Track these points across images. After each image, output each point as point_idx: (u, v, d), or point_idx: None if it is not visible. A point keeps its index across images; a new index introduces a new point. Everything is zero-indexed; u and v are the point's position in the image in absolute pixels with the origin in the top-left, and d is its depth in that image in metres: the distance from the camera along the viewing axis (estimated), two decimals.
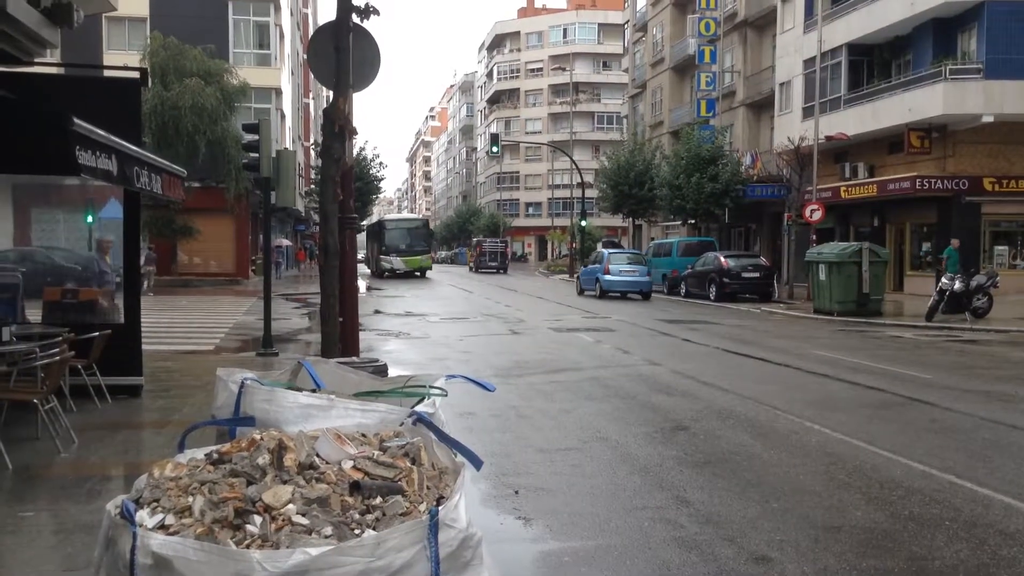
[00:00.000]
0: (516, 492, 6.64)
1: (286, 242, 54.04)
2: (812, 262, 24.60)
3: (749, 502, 6.44)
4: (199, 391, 10.75)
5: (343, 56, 7.19)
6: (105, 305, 12.18)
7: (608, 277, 31.71)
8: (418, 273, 49.57)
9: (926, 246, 30.49)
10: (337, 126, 6.80)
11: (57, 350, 7.82)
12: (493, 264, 60.73)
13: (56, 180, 21.14)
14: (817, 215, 28.51)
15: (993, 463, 7.60)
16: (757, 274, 29.96)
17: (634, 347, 16.40)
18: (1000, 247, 29.25)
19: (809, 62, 32.87)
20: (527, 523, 5.97)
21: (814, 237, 28.85)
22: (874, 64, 32.23)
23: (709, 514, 6.15)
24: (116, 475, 7.12)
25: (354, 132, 6.96)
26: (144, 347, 10.57)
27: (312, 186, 53.71)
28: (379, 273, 50.40)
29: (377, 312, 24.26)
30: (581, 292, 34.46)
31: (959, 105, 26.96)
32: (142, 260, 36.04)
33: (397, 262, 48.98)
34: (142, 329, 10.42)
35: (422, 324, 21.05)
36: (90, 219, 26.02)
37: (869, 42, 31.60)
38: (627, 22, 61.41)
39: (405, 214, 67.06)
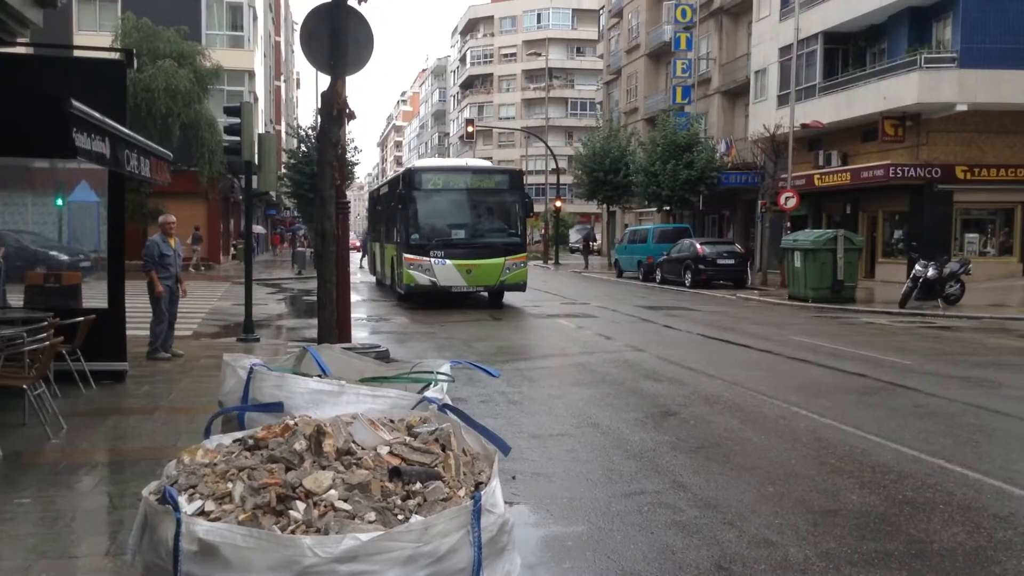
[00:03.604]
0: (513, 477, 6.66)
1: (260, 228, 53.43)
2: (787, 249, 24.81)
3: (745, 487, 6.51)
4: (183, 377, 10.67)
5: (341, 38, 7.12)
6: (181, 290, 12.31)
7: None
8: (484, 293, 22.28)
9: (898, 233, 30.84)
10: (335, 110, 6.75)
11: (45, 335, 7.72)
12: None
13: (24, 162, 20.79)
14: (791, 202, 28.73)
15: (981, 448, 7.73)
16: (732, 261, 30.15)
17: (616, 333, 16.47)
18: (971, 235, 29.63)
19: (785, 50, 33.03)
20: (527, 508, 5.99)
21: (788, 224, 29.08)
22: (850, 52, 32.45)
23: (707, 498, 6.20)
24: (110, 461, 7.04)
25: (353, 116, 6.93)
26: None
27: (284, 170, 48.83)
28: (392, 284, 24.14)
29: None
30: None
31: (933, 94, 27.23)
32: (189, 240, 35.92)
33: (445, 269, 20.76)
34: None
35: (393, 308, 20.99)
36: (60, 202, 25.64)
37: (845, 30, 31.80)
38: (602, 8, 61.36)
39: (464, 160, 31.84)
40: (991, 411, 9.30)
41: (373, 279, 30.51)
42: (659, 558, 5.10)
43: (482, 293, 22.00)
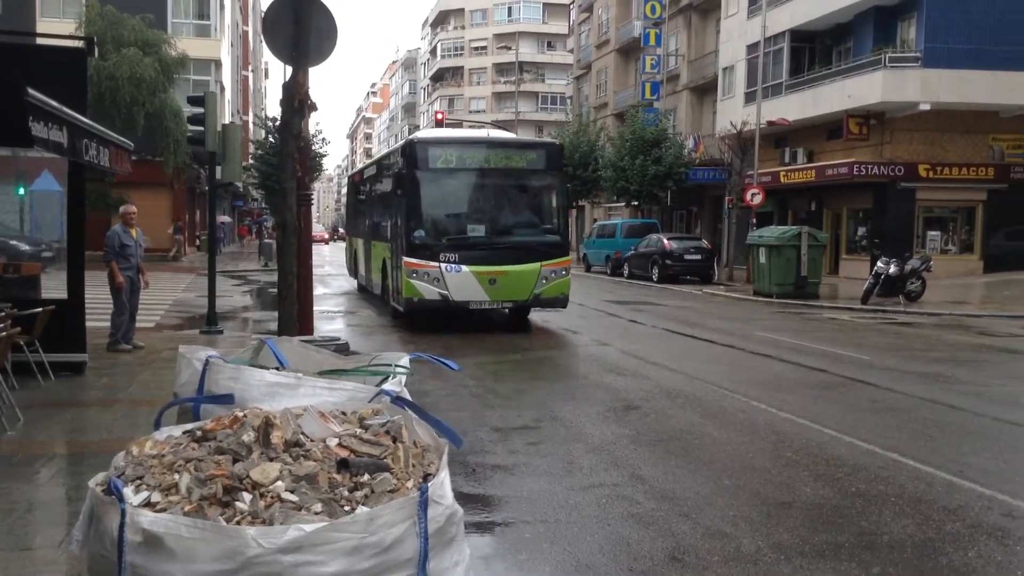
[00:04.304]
0: (473, 470, 6.69)
1: (226, 219, 52.92)
2: (753, 245, 25.03)
3: (703, 479, 6.59)
4: (144, 369, 10.59)
5: (303, 28, 7.10)
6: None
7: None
8: (507, 308, 16.39)
9: (862, 230, 31.23)
10: (297, 101, 6.73)
11: (2, 326, 7.63)
12: None
13: None
14: (757, 199, 28.98)
15: (935, 442, 7.87)
16: (699, 256, 30.37)
17: (583, 328, 16.54)
18: (933, 232, 30.07)
19: (752, 47, 33.30)
20: (487, 500, 6.02)
21: (754, 220, 29.34)
22: (816, 51, 32.76)
23: (664, 491, 6.27)
24: (67, 453, 6.98)
25: (314, 108, 6.90)
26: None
27: (251, 161, 47.94)
28: (383, 295, 18.78)
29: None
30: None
31: (897, 93, 27.58)
32: (171, 231, 35.45)
33: (460, 279, 15.01)
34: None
35: (360, 301, 20.92)
36: (21, 191, 25.29)
37: (811, 29, 32.10)
38: (572, 2, 61.46)
39: (485, 130, 23.45)
40: (946, 406, 9.46)
41: (355, 284, 24.85)
42: (614, 550, 5.15)
43: (506, 309, 16.18)
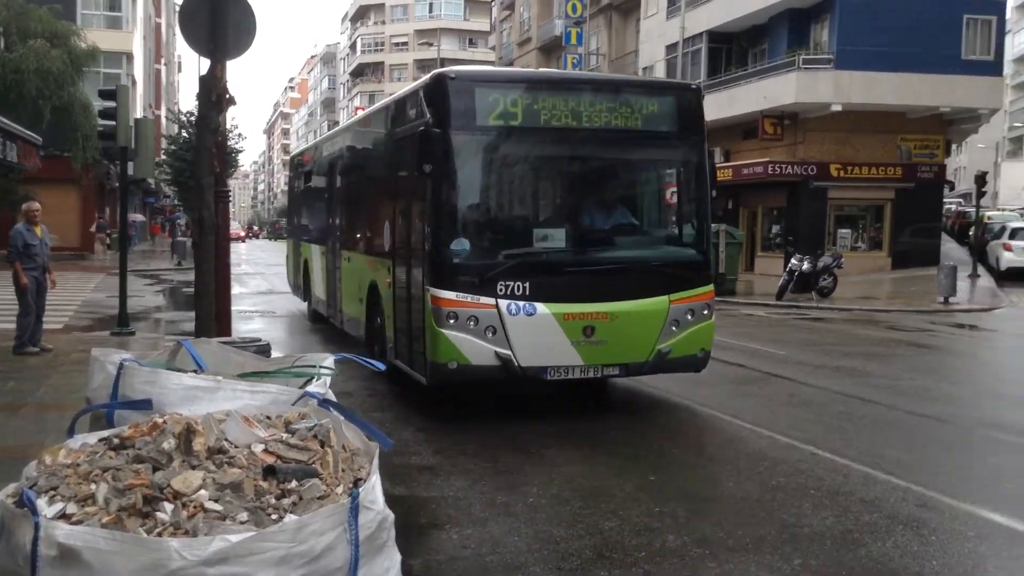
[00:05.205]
0: (400, 472, 6.62)
1: (139, 216, 51.39)
2: None
3: (628, 476, 6.63)
4: (53, 372, 10.20)
5: (221, 21, 6.91)
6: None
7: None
8: (611, 376, 8.91)
9: (776, 228, 31.99)
10: (215, 95, 6.55)
11: None
12: None
13: None
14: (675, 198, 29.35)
15: (848, 434, 8.09)
16: None
17: None
18: (844, 230, 30.93)
19: (671, 48, 33.78)
20: (414, 503, 5.96)
21: None
22: (733, 52, 33.41)
23: (590, 488, 6.30)
24: None
25: (232, 102, 6.73)
26: None
27: (163, 156, 46.16)
28: (372, 343, 10.64)
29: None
30: None
31: (810, 94, 28.30)
32: (93, 228, 33.89)
33: (535, 327, 8.24)
34: None
35: (280, 300, 20.56)
36: None
37: (728, 30, 32.70)
38: (494, 0, 61.45)
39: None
40: (860, 399, 9.73)
41: (304, 308, 17.24)
42: (542, 549, 5.15)
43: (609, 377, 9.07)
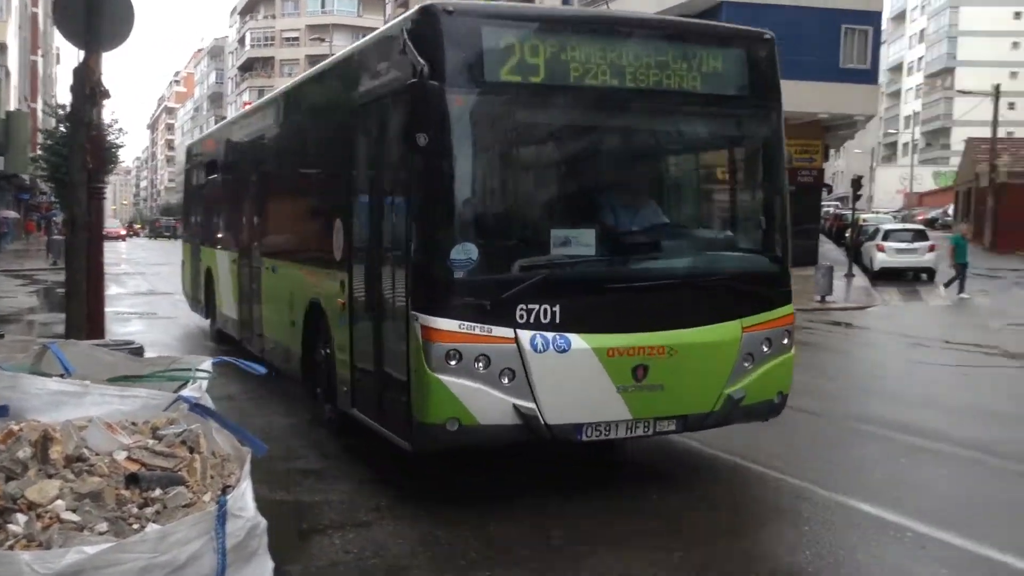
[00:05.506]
0: (284, 477, 6.49)
1: (11, 213, 48.89)
2: None
3: (514, 476, 6.66)
4: None
5: (96, 10, 6.63)
6: None
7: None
8: (667, 432, 6.50)
9: None
10: (89, 88, 6.29)
11: None
12: None
13: None
14: None
15: (727, 430, 8.29)
16: None
17: None
18: None
19: None
20: (296, 508, 5.84)
21: None
22: None
23: (478, 487, 6.32)
24: None
25: (107, 95, 6.46)
26: None
27: (39, 151, 43.85)
28: (305, 380, 8.55)
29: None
30: None
31: None
32: None
33: (566, 368, 5.80)
34: None
35: (162, 302, 19.94)
36: None
37: None
38: None
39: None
40: None
41: (205, 324, 14.18)
42: (427, 550, 5.13)
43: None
